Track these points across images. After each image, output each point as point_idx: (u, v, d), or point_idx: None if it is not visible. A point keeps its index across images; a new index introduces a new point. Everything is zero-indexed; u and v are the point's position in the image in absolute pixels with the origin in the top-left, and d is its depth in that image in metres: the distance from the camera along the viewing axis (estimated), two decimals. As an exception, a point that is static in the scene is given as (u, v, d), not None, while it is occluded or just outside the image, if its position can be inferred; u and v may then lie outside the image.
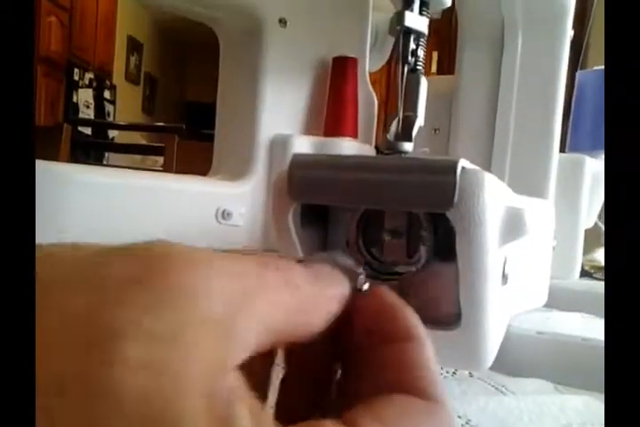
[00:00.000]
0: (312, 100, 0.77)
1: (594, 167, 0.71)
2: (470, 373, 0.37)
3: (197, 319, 0.11)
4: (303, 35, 0.74)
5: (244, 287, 0.13)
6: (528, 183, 0.59)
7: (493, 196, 0.21)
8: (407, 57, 0.24)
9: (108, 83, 4.39)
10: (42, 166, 0.55)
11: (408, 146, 0.23)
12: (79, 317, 0.11)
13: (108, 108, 4.36)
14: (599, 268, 0.89)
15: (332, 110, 0.76)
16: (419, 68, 0.24)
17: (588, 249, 0.83)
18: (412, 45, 0.24)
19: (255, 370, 0.13)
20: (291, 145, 0.70)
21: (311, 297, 0.15)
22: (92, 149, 3.16)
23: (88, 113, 4.06)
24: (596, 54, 1.58)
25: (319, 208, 0.25)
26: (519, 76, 0.61)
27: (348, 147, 0.72)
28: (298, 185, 0.22)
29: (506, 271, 0.28)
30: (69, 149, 2.10)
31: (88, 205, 0.56)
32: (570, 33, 0.60)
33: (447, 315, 0.25)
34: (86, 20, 3.98)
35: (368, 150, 0.76)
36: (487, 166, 0.61)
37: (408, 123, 0.24)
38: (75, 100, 3.94)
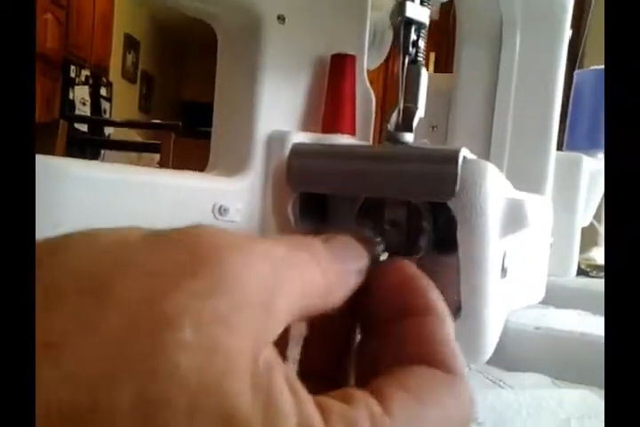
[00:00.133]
0: (310, 97, 0.77)
1: (591, 166, 0.71)
2: (469, 365, 0.37)
3: (242, 303, 0.13)
4: (302, 32, 0.74)
5: (278, 270, 0.14)
6: (525, 181, 0.59)
7: (495, 186, 0.21)
8: (408, 48, 0.24)
9: (104, 80, 4.38)
10: (38, 160, 0.54)
11: (409, 136, 0.23)
12: (137, 303, 0.12)
13: (105, 105, 4.34)
14: (595, 266, 0.89)
15: (329, 107, 0.76)
16: (419, 59, 0.24)
17: (584, 248, 0.83)
18: (413, 36, 0.24)
19: (279, 337, 0.14)
20: (288, 141, 0.70)
21: (335, 274, 0.16)
22: (88, 146, 3.15)
23: (84, 110, 4.05)
24: (592, 54, 1.59)
25: (318, 201, 0.25)
26: (517, 74, 0.61)
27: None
28: (297, 174, 0.21)
29: (505, 265, 0.28)
30: (65, 146, 2.09)
31: (84, 200, 0.56)
32: (568, 31, 0.60)
33: (447, 307, 0.25)
34: (83, 18, 3.97)
35: (366, 148, 0.76)
36: (485, 164, 0.61)
37: (408, 114, 0.23)
38: (71, 97, 3.93)
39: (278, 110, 0.73)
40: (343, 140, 0.73)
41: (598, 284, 0.67)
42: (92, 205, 0.57)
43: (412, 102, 0.24)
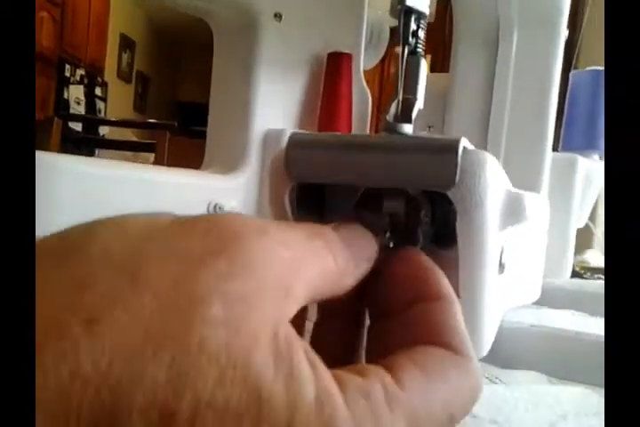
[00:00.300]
0: (306, 96, 0.76)
1: (586, 167, 0.71)
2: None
3: (263, 284, 0.14)
4: (298, 29, 0.74)
5: (296, 255, 0.15)
6: (521, 181, 0.58)
7: (495, 177, 0.20)
8: (408, 38, 0.24)
9: (99, 80, 4.37)
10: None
11: (407, 128, 0.23)
12: (168, 283, 0.13)
13: (99, 105, 4.33)
14: (589, 269, 0.89)
15: (325, 106, 0.76)
16: (419, 50, 0.24)
17: (578, 250, 0.83)
18: (413, 26, 0.24)
19: (294, 317, 0.15)
20: (284, 140, 0.70)
21: (347, 260, 0.17)
22: (82, 146, 3.13)
23: (79, 109, 4.03)
24: (587, 55, 1.59)
25: (315, 194, 0.25)
26: (513, 75, 0.61)
27: (341, 142, 0.72)
28: (295, 164, 0.21)
29: (503, 260, 0.28)
30: (59, 145, 2.08)
31: (78, 197, 0.56)
32: (565, 32, 0.60)
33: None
34: (78, 17, 3.96)
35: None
36: (481, 163, 0.61)
37: (407, 105, 0.23)
38: (65, 96, 3.92)
39: (274, 108, 0.73)
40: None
41: (593, 285, 0.67)
42: (87, 202, 0.56)
43: (412, 93, 0.23)
